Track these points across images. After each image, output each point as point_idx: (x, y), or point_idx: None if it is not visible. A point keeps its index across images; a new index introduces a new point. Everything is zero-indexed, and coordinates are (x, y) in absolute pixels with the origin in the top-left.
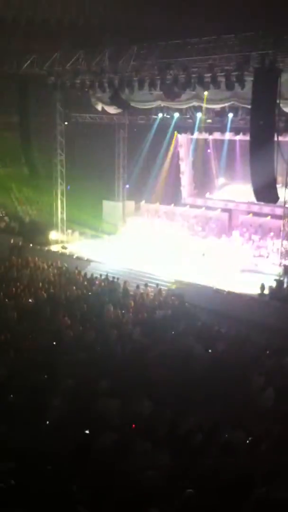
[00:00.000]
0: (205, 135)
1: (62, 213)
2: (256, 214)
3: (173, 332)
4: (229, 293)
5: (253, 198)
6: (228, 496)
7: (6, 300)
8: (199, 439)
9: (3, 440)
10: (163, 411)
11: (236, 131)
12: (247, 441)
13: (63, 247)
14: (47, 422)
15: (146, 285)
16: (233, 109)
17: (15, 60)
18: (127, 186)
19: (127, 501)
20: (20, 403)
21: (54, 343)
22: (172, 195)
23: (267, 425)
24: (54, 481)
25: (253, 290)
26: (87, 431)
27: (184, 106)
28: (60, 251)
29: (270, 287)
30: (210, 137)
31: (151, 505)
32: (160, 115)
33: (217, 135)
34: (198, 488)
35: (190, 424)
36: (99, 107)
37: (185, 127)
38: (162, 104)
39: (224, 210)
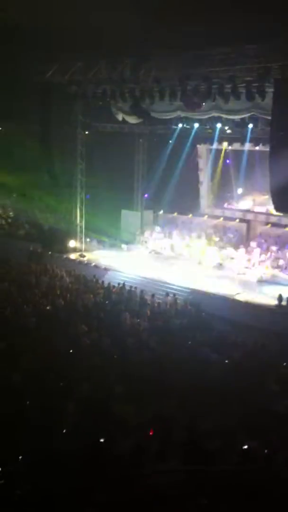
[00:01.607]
0: (224, 146)
1: (81, 221)
2: (274, 224)
3: (189, 342)
4: (246, 303)
5: (272, 209)
6: (242, 504)
7: (25, 306)
8: (214, 446)
9: (18, 445)
10: (178, 417)
11: (256, 141)
12: (263, 449)
13: (81, 255)
14: (62, 427)
15: (167, 294)
16: (253, 119)
17: (37, 69)
18: (146, 195)
19: (141, 507)
20: (36, 408)
21: (71, 350)
22: (191, 205)
23: (283, 433)
24: (68, 486)
25: (270, 300)
26: (101, 439)
27: (204, 117)
28: (78, 259)
29: None
30: (230, 148)
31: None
32: (180, 125)
33: (236, 146)
34: (212, 496)
35: (205, 431)
36: (120, 116)
37: (205, 138)
38: (182, 114)
39: (243, 220)
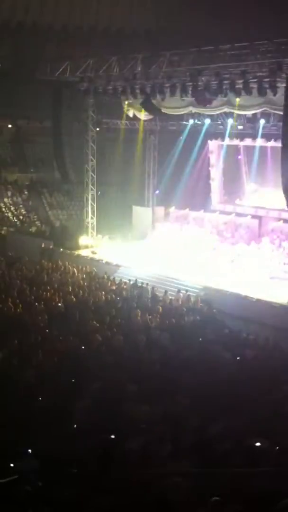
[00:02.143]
0: (236, 142)
1: (92, 218)
2: (286, 221)
3: (200, 339)
4: (258, 300)
5: (284, 205)
6: (253, 505)
7: (36, 303)
8: (225, 447)
9: (30, 442)
10: (190, 417)
11: (268, 137)
12: (274, 450)
13: (93, 252)
14: (75, 425)
15: (178, 291)
16: (265, 115)
17: (49, 66)
18: (157, 191)
19: (152, 507)
20: (48, 405)
21: (83, 347)
22: (202, 201)
23: None
24: (79, 484)
25: (283, 297)
26: (112, 436)
27: (216, 112)
28: (89, 256)
29: None
30: (241, 144)
31: None
32: (191, 121)
33: (248, 142)
34: (223, 497)
35: (216, 431)
36: (131, 113)
37: (216, 133)
38: (193, 110)
39: (254, 216)
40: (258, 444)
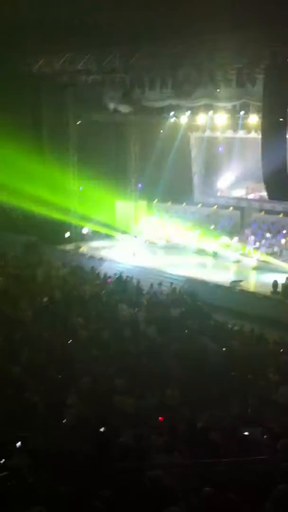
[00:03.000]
0: (216, 134)
1: (75, 212)
2: (268, 211)
3: (186, 331)
4: (241, 291)
5: (265, 196)
6: (247, 493)
7: (22, 299)
8: (216, 436)
9: (19, 438)
10: (180, 408)
11: (248, 129)
12: (265, 438)
13: (77, 247)
14: (63, 420)
15: (159, 284)
16: (245, 107)
17: (27, 60)
18: (140, 185)
19: (146, 499)
20: (35, 401)
21: (69, 341)
22: (184, 194)
23: (284, 421)
24: (71, 479)
25: (266, 287)
26: (102, 429)
27: (196, 105)
28: (73, 251)
29: (283, 285)
30: (222, 136)
31: (170, 503)
32: (172, 113)
33: (228, 133)
34: (217, 486)
35: (207, 421)
36: (111, 106)
37: (197, 126)
38: (174, 102)
39: (236, 208)
40: (249, 432)
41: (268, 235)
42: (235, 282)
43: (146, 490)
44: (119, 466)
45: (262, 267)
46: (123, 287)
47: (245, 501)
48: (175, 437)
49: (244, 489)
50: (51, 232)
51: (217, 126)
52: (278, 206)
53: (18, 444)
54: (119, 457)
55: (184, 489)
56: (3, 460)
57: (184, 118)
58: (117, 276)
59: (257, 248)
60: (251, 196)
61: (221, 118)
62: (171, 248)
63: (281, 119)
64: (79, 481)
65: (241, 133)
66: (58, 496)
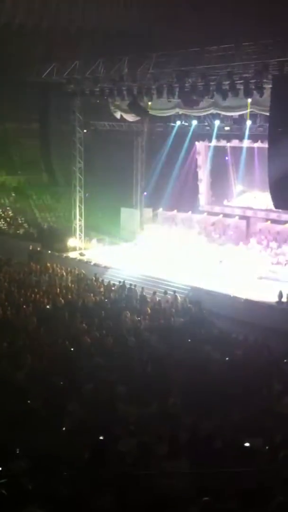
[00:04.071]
0: (223, 143)
1: (80, 220)
2: (274, 221)
3: (189, 340)
4: (246, 300)
5: (271, 205)
6: (246, 504)
7: (25, 306)
8: (218, 446)
9: (20, 444)
10: (182, 417)
11: (255, 138)
12: (266, 448)
13: (81, 254)
14: (64, 427)
15: (165, 292)
16: (252, 116)
17: (35, 67)
18: (145, 193)
19: (145, 507)
20: (38, 408)
21: (72, 349)
22: (190, 203)
23: (286, 431)
24: (70, 486)
25: (271, 297)
26: (103, 437)
27: (202, 114)
28: (78, 258)
29: None
30: (228, 145)
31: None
32: (178, 122)
33: (235, 143)
34: (216, 495)
35: (209, 430)
36: (118, 115)
37: (203, 135)
38: (180, 111)
39: (242, 217)
40: (250, 442)
41: (273, 244)
42: (239, 291)
43: (146, 498)
44: (118, 473)
45: (267, 277)
46: (127, 295)
47: (244, 511)
48: (176, 446)
49: (244, 499)
50: (55, 239)
51: (224, 135)
52: (284, 215)
53: (18, 449)
54: (118, 464)
55: (183, 498)
56: (3, 465)
57: (190, 127)
58: (121, 284)
59: (263, 258)
60: (257, 205)
61: (228, 127)
62: (175, 256)
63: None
64: (78, 486)
65: (247, 142)
66: (58, 501)
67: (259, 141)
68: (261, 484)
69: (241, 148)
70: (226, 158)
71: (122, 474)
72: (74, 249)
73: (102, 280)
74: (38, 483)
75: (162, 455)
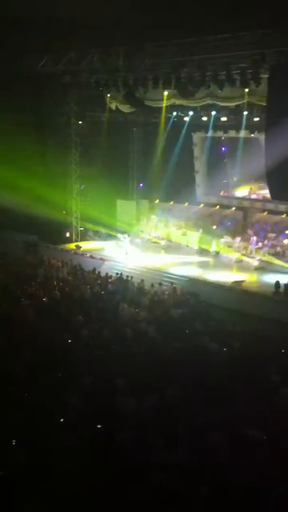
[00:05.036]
0: (219, 133)
1: (76, 211)
2: (271, 212)
3: (187, 331)
4: (244, 291)
5: (268, 196)
6: (246, 495)
7: (22, 298)
8: (216, 438)
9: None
10: (181, 409)
11: (251, 129)
12: (265, 440)
13: (78, 246)
14: (65, 420)
15: (160, 283)
16: (248, 107)
17: (30, 59)
18: (141, 184)
19: (145, 500)
20: (37, 401)
21: (70, 341)
22: (186, 194)
23: (284, 422)
24: (70, 479)
25: (268, 287)
26: (100, 427)
27: (199, 104)
28: (74, 250)
29: (285, 285)
30: (225, 135)
31: (169, 504)
32: (175, 113)
33: (232, 133)
34: (216, 487)
35: (208, 422)
36: (114, 106)
37: (200, 126)
38: (177, 102)
39: (239, 208)
40: (249, 433)
41: (271, 235)
42: (237, 282)
43: (145, 490)
44: (118, 466)
45: (264, 268)
46: (124, 287)
47: (244, 502)
48: (175, 438)
49: (244, 490)
50: (51, 232)
51: (220, 125)
52: (281, 206)
53: (16, 442)
54: (118, 457)
55: (184, 489)
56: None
57: (187, 118)
58: (118, 276)
59: (260, 248)
60: (254, 196)
61: (224, 117)
62: (172, 247)
63: (284, 119)
64: (77, 480)
65: (244, 133)
66: (57, 495)
67: (256, 131)
68: (261, 476)
69: (238, 138)
70: (223, 149)
71: (121, 467)
72: (71, 241)
73: (99, 272)
74: (37, 477)
75: (163, 448)
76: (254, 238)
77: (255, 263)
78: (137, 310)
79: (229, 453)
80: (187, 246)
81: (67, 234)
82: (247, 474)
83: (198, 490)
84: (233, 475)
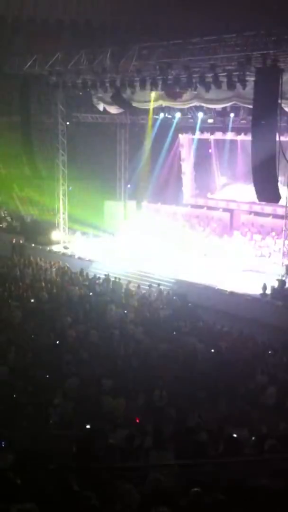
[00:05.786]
0: (206, 135)
1: (64, 213)
2: (257, 213)
3: (174, 332)
4: (231, 293)
5: (254, 198)
6: (235, 494)
7: (10, 300)
8: (204, 437)
9: (6, 438)
10: (168, 409)
11: (238, 131)
12: (252, 439)
13: (65, 247)
14: (51, 421)
15: (149, 285)
16: (235, 109)
17: (17, 60)
18: (129, 186)
19: (134, 500)
20: (23, 401)
21: (57, 342)
22: (174, 195)
23: (271, 422)
24: (56, 479)
25: (255, 289)
26: (88, 426)
27: (186, 106)
28: (62, 251)
29: (272, 287)
30: (212, 137)
31: (159, 504)
32: (162, 115)
33: (218, 135)
34: (204, 487)
35: (195, 422)
36: (101, 107)
37: (187, 127)
38: (164, 104)
39: (226, 210)
40: (236, 433)
41: (257, 237)
42: (223, 290)
43: (134, 491)
44: (105, 467)
45: (251, 269)
46: (112, 288)
47: (233, 501)
48: (163, 438)
49: (232, 489)
50: (39, 233)
51: (207, 127)
52: (267, 208)
53: (4, 443)
54: (106, 457)
55: (172, 489)
56: None
57: (174, 119)
58: (105, 277)
59: (247, 250)
60: (240, 198)
61: (211, 119)
62: (160, 249)
63: (271, 122)
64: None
65: (231, 135)
66: (47, 496)
67: (242, 133)
68: (248, 474)
69: (224, 140)
70: (210, 150)
71: (110, 467)
72: (58, 242)
73: (87, 274)
74: (26, 478)
75: (150, 448)
76: (241, 239)
77: (242, 265)
78: (125, 311)
79: (216, 452)
80: (174, 247)
81: (55, 235)
82: (234, 473)
83: (186, 490)
84: (221, 474)
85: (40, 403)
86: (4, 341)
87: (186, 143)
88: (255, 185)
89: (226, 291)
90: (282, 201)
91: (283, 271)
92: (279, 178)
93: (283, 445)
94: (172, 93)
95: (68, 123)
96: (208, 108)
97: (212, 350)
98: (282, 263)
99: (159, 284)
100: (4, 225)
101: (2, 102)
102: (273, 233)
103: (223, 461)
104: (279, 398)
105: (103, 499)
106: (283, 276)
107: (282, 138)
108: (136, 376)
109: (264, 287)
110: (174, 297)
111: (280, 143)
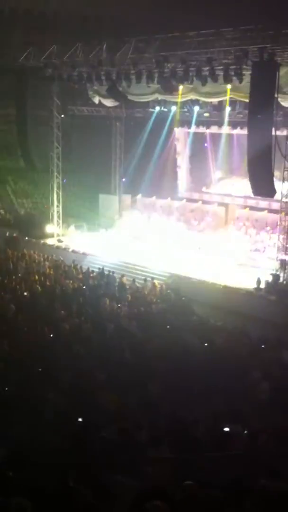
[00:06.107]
0: (202, 129)
1: (58, 206)
2: (252, 208)
3: (168, 326)
4: (225, 287)
5: (250, 192)
6: (229, 488)
7: (3, 293)
8: (198, 432)
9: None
10: (161, 404)
11: (234, 125)
12: (246, 434)
13: (59, 241)
14: (44, 415)
15: (145, 279)
16: (231, 103)
17: (12, 52)
18: (124, 179)
19: (130, 494)
20: (16, 395)
21: (51, 335)
22: (169, 189)
23: (264, 417)
24: (50, 474)
25: (250, 284)
26: (81, 420)
27: (182, 100)
28: (56, 245)
29: (266, 281)
30: (208, 131)
31: (153, 498)
32: (158, 108)
33: (214, 129)
34: (199, 481)
35: (189, 417)
36: (96, 99)
37: (182, 121)
38: (160, 97)
39: (221, 204)
40: (230, 428)
41: (252, 231)
42: (217, 285)
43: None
44: (100, 461)
45: (245, 264)
46: (106, 282)
47: (226, 495)
48: (157, 433)
49: (226, 483)
50: (33, 225)
51: (203, 121)
52: (262, 202)
53: None
54: (100, 451)
55: (167, 483)
56: None
57: (169, 113)
58: (99, 271)
59: (241, 245)
60: (235, 192)
61: (207, 113)
62: (154, 243)
63: (267, 116)
64: (57, 475)
65: (227, 129)
66: (40, 490)
67: (238, 127)
68: (242, 469)
69: (220, 134)
70: (205, 144)
71: (103, 462)
72: (52, 235)
73: (81, 267)
74: (19, 472)
75: (145, 443)
76: (236, 233)
77: (237, 259)
78: (119, 305)
79: (210, 447)
80: (169, 241)
81: (49, 229)
82: (228, 468)
83: (180, 484)
84: (215, 469)
85: (33, 397)
86: None
87: (182, 136)
88: (251, 179)
89: (220, 285)
90: (277, 196)
91: (277, 265)
92: (275, 173)
93: (275, 440)
94: (168, 86)
95: (63, 116)
96: (204, 102)
97: (206, 345)
98: (277, 257)
99: (153, 278)
100: None
101: None
102: (268, 228)
103: (217, 455)
104: (272, 393)
105: (97, 493)
106: (277, 270)
107: (278, 133)
108: (130, 371)
109: (258, 282)
110: (168, 291)
111: (276, 137)
